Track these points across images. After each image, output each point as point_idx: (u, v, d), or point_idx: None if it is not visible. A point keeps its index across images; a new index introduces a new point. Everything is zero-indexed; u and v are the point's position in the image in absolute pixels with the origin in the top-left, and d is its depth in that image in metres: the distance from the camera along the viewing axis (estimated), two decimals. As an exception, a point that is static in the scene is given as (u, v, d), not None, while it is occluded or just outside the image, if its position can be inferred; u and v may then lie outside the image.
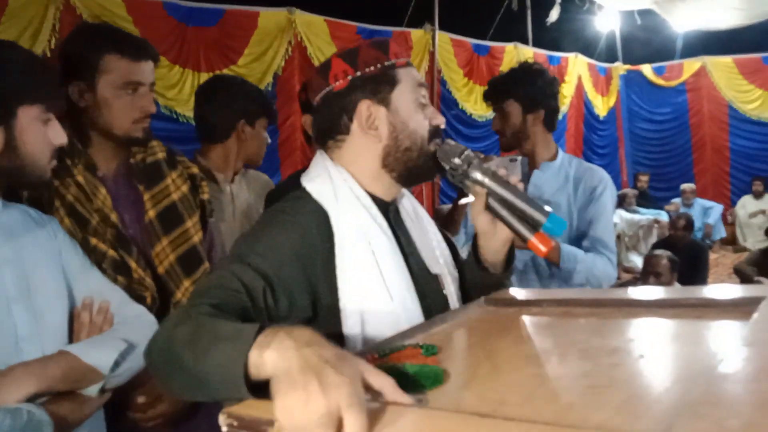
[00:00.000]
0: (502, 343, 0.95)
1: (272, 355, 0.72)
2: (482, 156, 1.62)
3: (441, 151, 1.14)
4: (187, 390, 0.85)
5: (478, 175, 1.11)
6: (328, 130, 1.16)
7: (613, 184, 2.09)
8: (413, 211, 1.26)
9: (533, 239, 1.08)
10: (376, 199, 1.16)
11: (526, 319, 1.08)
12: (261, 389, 0.73)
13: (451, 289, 1.21)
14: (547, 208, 1.08)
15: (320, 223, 1.10)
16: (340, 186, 1.13)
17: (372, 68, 1.13)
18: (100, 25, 1.56)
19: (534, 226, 1.08)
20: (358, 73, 1.12)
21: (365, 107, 1.12)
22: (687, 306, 1.02)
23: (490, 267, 1.23)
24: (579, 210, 2.01)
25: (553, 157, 2.09)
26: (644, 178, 9.03)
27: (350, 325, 1.06)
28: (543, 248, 1.08)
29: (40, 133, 1.20)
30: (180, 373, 0.83)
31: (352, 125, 1.14)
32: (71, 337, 1.25)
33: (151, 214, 1.50)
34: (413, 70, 1.18)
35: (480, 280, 1.24)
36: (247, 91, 2.09)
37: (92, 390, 1.18)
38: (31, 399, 1.09)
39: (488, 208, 1.13)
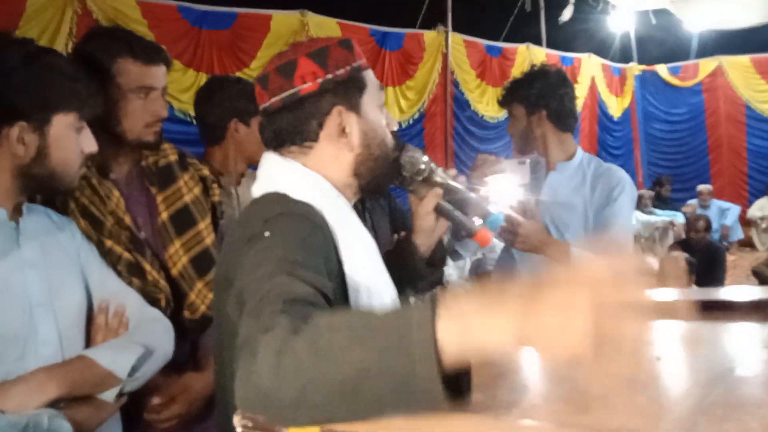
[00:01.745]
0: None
1: (483, 315, 0.61)
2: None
3: (406, 158, 1.14)
4: (329, 408, 0.66)
5: (442, 176, 1.19)
6: (292, 134, 1.05)
7: (633, 186, 2.05)
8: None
9: (479, 232, 1.20)
10: None
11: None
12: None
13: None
14: (490, 208, 1.27)
15: (324, 223, 1.01)
16: (321, 190, 1.05)
17: (342, 71, 1.04)
18: (113, 28, 1.57)
19: (481, 218, 1.22)
20: (329, 76, 1.03)
21: (337, 113, 1.04)
22: (706, 308, 1.00)
23: (434, 253, 1.27)
24: (595, 211, 1.98)
25: (570, 158, 2.07)
26: (667, 185, 8.84)
27: None
28: (488, 240, 1.21)
29: (72, 141, 1.21)
30: (319, 389, 0.65)
31: (321, 132, 1.05)
32: (88, 340, 1.26)
33: (164, 216, 1.50)
34: (372, 73, 1.11)
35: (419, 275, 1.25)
36: (240, 90, 2.00)
37: (110, 394, 1.18)
38: (51, 403, 1.10)
39: (437, 209, 1.20)
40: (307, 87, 1.03)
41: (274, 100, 1.04)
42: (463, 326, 0.62)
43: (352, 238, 1.05)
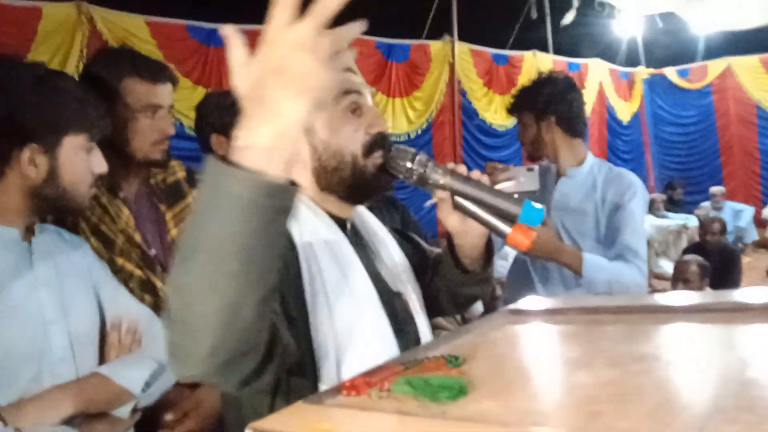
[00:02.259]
0: (526, 352, 0.94)
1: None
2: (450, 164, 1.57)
3: (391, 160, 1.04)
4: (214, 285, 0.73)
5: (436, 177, 1.03)
6: None
7: (645, 190, 2.05)
8: (368, 226, 1.18)
9: (512, 233, 1.00)
10: (333, 216, 1.08)
11: (552, 328, 1.07)
12: None
13: (416, 307, 1.14)
14: (519, 198, 1.00)
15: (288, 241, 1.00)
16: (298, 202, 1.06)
17: None
18: (120, 48, 1.60)
19: (510, 219, 1.00)
20: None
21: None
22: (717, 311, 1.00)
23: (469, 264, 1.16)
24: (607, 217, 1.98)
25: (581, 163, 2.07)
26: (680, 189, 8.79)
27: (320, 342, 0.98)
28: (525, 240, 1.00)
29: (82, 162, 1.23)
30: (199, 283, 0.74)
31: None
32: (101, 357, 1.27)
33: (174, 233, 1.52)
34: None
35: (457, 283, 1.17)
36: (216, 103, 1.98)
37: (124, 411, 1.20)
38: (67, 421, 1.11)
39: (457, 207, 1.05)
40: None
41: None
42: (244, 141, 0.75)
43: (320, 252, 1.02)
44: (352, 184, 1.05)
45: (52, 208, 1.26)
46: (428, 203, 1.12)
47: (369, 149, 1.05)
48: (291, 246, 1.01)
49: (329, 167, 1.04)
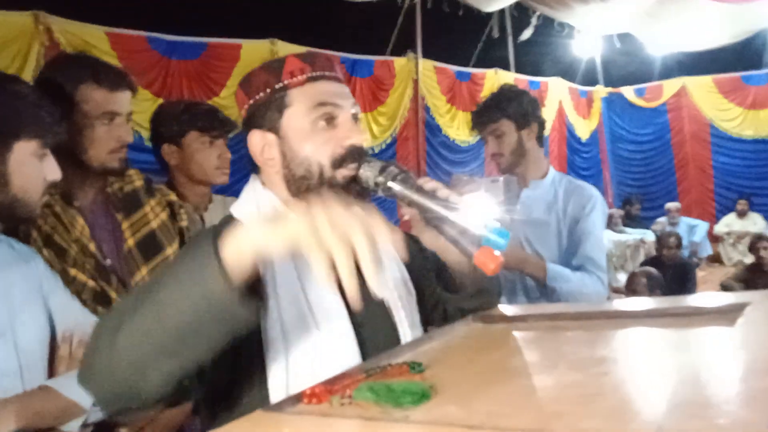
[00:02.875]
0: (491, 357, 0.94)
1: (246, 234, 0.76)
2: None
3: (361, 172, 1.04)
4: (148, 363, 0.77)
5: (400, 192, 1.00)
6: (249, 157, 1.11)
7: (604, 202, 2.09)
8: None
9: (477, 255, 0.96)
10: None
11: (515, 334, 1.07)
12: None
13: (400, 315, 1.12)
14: (486, 220, 0.96)
15: None
16: (265, 208, 1.07)
17: (261, 94, 1.06)
18: (76, 55, 1.56)
19: (471, 240, 0.97)
20: (251, 102, 1.07)
21: (257, 138, 1.07)
22: (674, 315, 1.01)
23: (461, 280, 1.14)
24: (569, 228, 2.01)
25: (544, 176, 2.10)
26: (637, 205, 8.97)
27: (273, 354, 0.99)
28: (490, 265, 0.96)
29: (34, 169, 1.19)
30: (134, 345, 0.76)
31: (254, 155, 1.09)
32: (51, 371, 1.23)
33: (131, 242, 1.48)
34: (318, 86, 1.06)
35: (450, 300, 1.17)
36: (169, 113, 1.95)
37: (73, 426, 1.16)
38: None
39: (429, 223, 1.04)
40: (242, 114, 1.10)
41: None
42: (235, 241, 0.75)
43: (285, 276, 1.03)
44: (320, 192, 1.04)
45: (1, 216, 1.22)
46: (403, 218, 1.11)
47: (339, 161, 1.05)
48: None
49: (297, 175, 1.06)
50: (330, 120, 1.05)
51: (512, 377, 0.82)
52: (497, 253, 0.95)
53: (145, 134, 4.56)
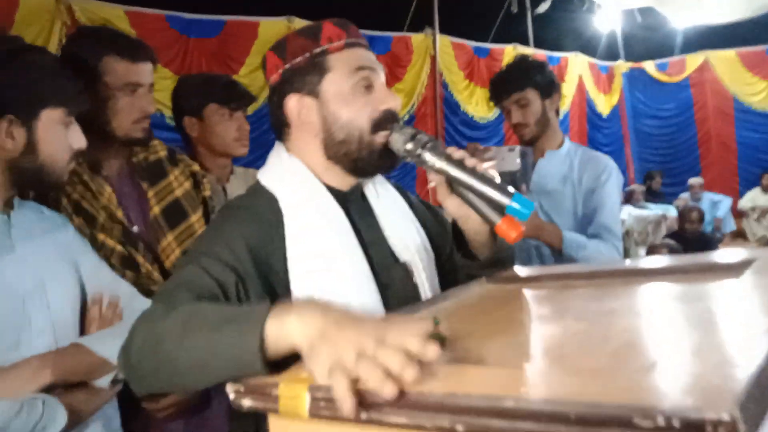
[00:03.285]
0: (502, 312, 0.97)
1: (295, 322, 0.72)
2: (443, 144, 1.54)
3: (392, 138, 1.07)
4: (179, 380, 0.81)
5: (430, 159, 1.03)
6: (275, 123, 1.14)
7: (619, 172, 2.09)
8: (382, 197, 1.19)
9: (501, 224, 1.00)
10: (332, 189, 1.11)
11: (526, 292, 1.10)
12: (273, 366, 0.74)
13: (422, 277, 1.15)
14: (511, 190, 0.97)
15: (273, 211, 1.07)
16: (292, 175, 1.10)
17: (299, 59, 1.08)
18: (98, 28, 1.60)
19: (500, 210, 0.98)
20: (287, 66, 1.08)
21: (294, 101, 1.09)
22: (683, 272, 1.03)
23: (477, 249, 1.16)
24: (584, 197, 2.02)
25: (560, 146, 2.10)
26: (659, 179, 8.94)
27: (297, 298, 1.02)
28: (512, 234, 0.99)
29: (61, 136, 1.23)
30: (170, 365, 0.79)
31: (288, 119, 1.11)
32: (82, 331, 1.28)
33: (156, 210, 1.53)
34: (355, 52, 1.09)
35: (465, 267, 1.18)
36: (188, 86, 1.98)
37: (104, 381, 1.20)
38: (46, 390, 1.12)
39: (454, 192, 1.06)
40: (273, 78, 1.11)
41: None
42: (281, 325, 0.73)
43: (310, 221, 1.06)
44: (357, 158, 1.09)
45: (30, 182, 1.26)
46: (430, 185, 1.12)
47: (377, 126, 1.08)
48: (276, 210, 1.07)
49: (337, 139, 1.08)
50: (368, 85, 1.09)
51: (521, 327, 0.86)
52: (519, 222, 0.98)
53: (166, 113, 4.65)
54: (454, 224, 1.16)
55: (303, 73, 1.08)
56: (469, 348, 0.79)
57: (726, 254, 1.06)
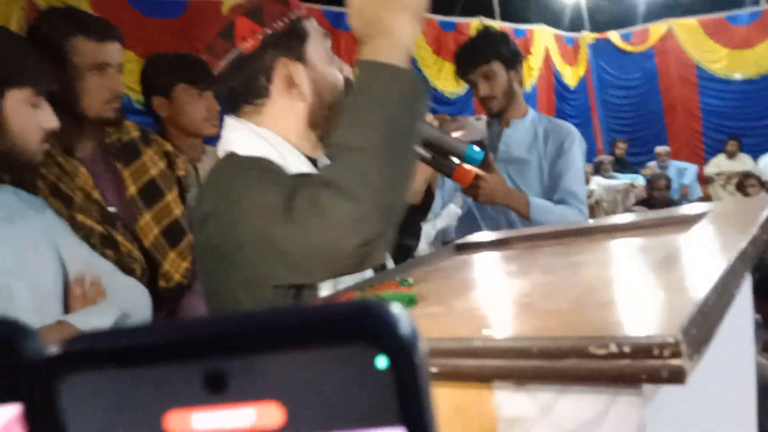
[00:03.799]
0: (471, 272, 1.02)
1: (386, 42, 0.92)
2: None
3: None
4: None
5: None
6: (244, 94, 1.09)
7: (582, 138, 2.15)
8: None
9: (456, 171, 1.19)
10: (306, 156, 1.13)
11: (495, 254, 1.15)
12: None
13: None
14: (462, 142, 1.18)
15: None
16: (278, 145, 1.09)
17: (280, 23, 1.07)
18: (65, 8, 1.59)
19: (457, 155, 1.17)
20: (268, 31, 1.06)
21: (282, 65, 1.07)
22: (643, 226, 1.09)
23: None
24: (549, 164, 2.08)
25: (524, 115, 2.15)
26: (622, 146, 9.14)
27: None
28: (467, 178, 1.21)
29: (29, 117, 1.22)
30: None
31: (271, 86, 1.08)
32: (67, 310, 1.30)
33: (132, 190, 1.54)
34: (315, 22, 1.13)
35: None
36: (155, 66, 1.98)
37: None
38: None
39: None
40: (249, 45, 1.06)
41: (222, 63, 1.08)
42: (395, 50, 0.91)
43: None
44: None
45: (2, 164, 1.26)
46: None
47: (348, 89, 1.10)
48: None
49: (326, 102, 1.10)
50: (331, 54, 1.14)
51: (489, 283, 0.91)
52: (471, 170, 1.18)
53: (133, 96, 4.59)
54: None
55: (287, 37, 1.07)
56: (439, 303, 0.83)
57: (682, 209, 1.13)
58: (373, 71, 0.90)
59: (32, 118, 1.23)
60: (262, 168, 1.02)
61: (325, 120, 1.10)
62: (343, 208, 0.85)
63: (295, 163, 1.08)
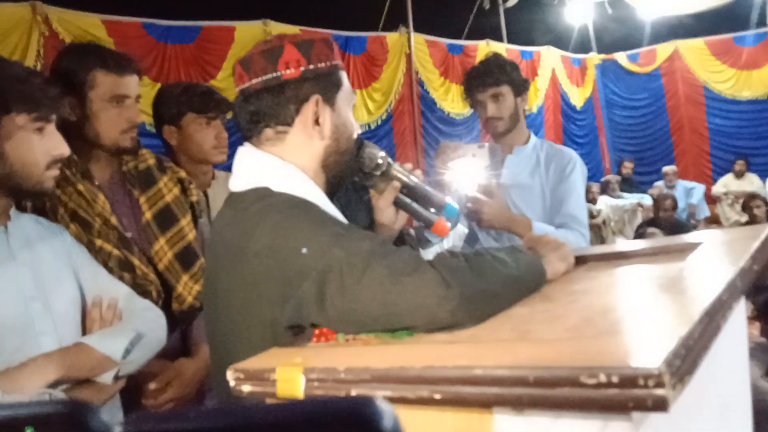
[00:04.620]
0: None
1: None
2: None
3: (365, 153, 1.20)
4: (504, 297, 0.96)
5: (397, 168, 1.23)
6: (270, 117, 1.11)
7: (583, 164, 2.20)
8: None
9: (436, 224, 1.26)
10: None
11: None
12: None
13: None
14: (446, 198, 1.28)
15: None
16: (302, 182, 1.10)
17: (324, 64, 1.11)
18: (87, 44, 1.65)
19: (438, 209, 1.26)
20: (311, 66, 1.09)
21: (314, 102, 1.10)
22: (642, 255, 1.13)
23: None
24: (551, 190, 2.12)
25: (526, 141, 2.20)
26: (629, 165, 9.19)
27: None
28: (444, 231, 1.27)
29: (29, 142, 1.23)
30: (498, 293, 0.95)
31: (297, 117, 1.11)
32: (84, 333, 1.34)
33: (148, 215, 1.60)
34: (346, 75, 1.18)
35: None
36: (167, 95, 2.01)
37: (107, 377, 1.26)
38: (53, 386, 1.18)
39: (395, 202, 1.25)
40: (290, 73, 1.08)
41: (255, 81, 1.10)
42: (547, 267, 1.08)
43: None
44: (344, 168, 1.18)
45: (8, 190, 1.27)
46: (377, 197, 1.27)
47: (358, 143, 1.20)
48: None
49: (341, 149, 1.15)
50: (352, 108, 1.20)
51: (493, 310, 0.95)
52: (448, 224, 1.27)
53: (146, 119, 4.68)
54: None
55: (325, 79, 1.11)
56: (444, 330, 0.88)
57: (680, 239, 1.17)
58: (533, 261, 1.06)
59: (33, 144, 1.24)
60: (314, 209, 1.06)
61: (336, 165, 1.15)
62: (437, 280, 0.91)
63: (319, 197, 1.11)
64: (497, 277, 0.95)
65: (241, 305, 1.04)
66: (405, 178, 1.24)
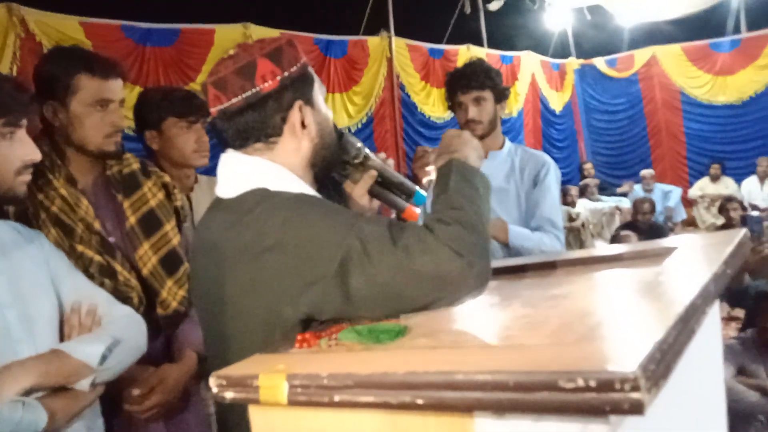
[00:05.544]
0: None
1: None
2: None
3: (345, 141, 1.25)
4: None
5: (373, 157, 1.29)
6: (258, 131, 1.12)
7: (557, 167, 2.24)
8: None
9: (408, 209, 1.33)
10: None
11: (480, 285, 1.21)
12: None
13: None
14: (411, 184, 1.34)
15: None
16: (291, 182, 1.13)
17: (295, 68, 1.12)
18: (71, 47, 1.64)
19: (408, 196, 1.32)
20: (286, 74, 1.11)
21: (297, 108, 1.13)
22: (618, 259, 1.15)
23: None
24: (526, 194, 2.16)
25: (501, 146, 2.24)
26: (587, 167, 9.49)
27: None
28: (415, 213, 1.32)
29: (0, 148, 1.23)
30: (487, 234, 1.04)
31: (284, 126, 1.13)
32: (62, 339, 1.33)
33: (132, 220, 1.59)
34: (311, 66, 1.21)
35: None
36: (148, 100, 2.00)
37: (84, 384, 1.24)
38: (27, 394, 1.16)
39: (370, 191, 1.30)
40: (269, 85, 1.10)
41: (235, 100, 1.10)
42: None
43: None
44: (331, 160, 1.22)
45: None
46: (353, 184, 1.30)
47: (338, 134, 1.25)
48: None
49: (327, 143, 1.19)
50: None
51: (473, 315, 0.96)
52: (417, 210, 1.33)
53: (127, 123, 4.65)
54: None
55: (301, 81, 1.13)
56: (425, 335, 0.89)
57: (656, 243, 1.19)
58: (461, 167, 1.15)
59: (3, 151, 1.23)
60: (319, 201, 1.09)
61: (323, 160, 1.19)
62: (449, 256, 0.95)
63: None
64: (481, 219, 1.03)
65: (248, 306, 1.04)
66: (381, 167, 1.30)
